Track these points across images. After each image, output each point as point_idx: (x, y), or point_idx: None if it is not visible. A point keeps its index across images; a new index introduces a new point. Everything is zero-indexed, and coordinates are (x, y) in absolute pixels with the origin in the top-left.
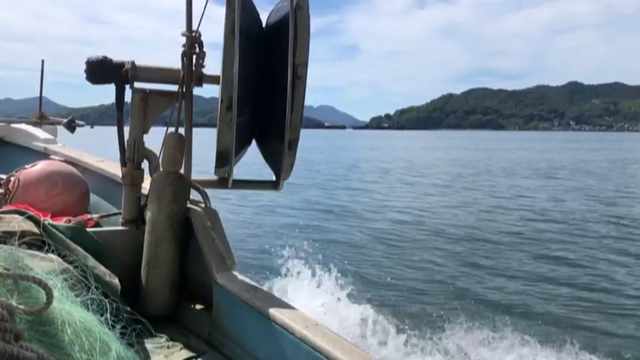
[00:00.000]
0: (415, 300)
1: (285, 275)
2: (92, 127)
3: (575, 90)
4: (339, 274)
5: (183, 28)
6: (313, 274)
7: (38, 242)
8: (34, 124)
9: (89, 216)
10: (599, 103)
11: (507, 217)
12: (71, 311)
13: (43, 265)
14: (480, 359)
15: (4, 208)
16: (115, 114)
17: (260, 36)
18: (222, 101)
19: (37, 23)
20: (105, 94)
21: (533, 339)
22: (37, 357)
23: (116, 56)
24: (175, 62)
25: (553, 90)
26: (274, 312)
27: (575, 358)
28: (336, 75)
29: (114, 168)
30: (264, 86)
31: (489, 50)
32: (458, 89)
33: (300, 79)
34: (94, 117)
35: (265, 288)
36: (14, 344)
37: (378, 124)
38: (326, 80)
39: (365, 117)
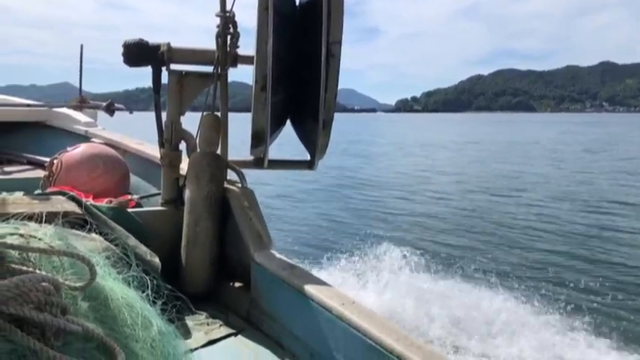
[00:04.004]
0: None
1: (322, 254)
2: (131, 112)
3: (607, 70)
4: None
5: (206, 13)
6: (352, 258)
7: (81, 222)
8: (75, 107)
9: (130, 197)
10: (632, 83)
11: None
12: (114, 287)
13: (85, 243)
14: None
15: (48, 190)
16: (153, 97)
17: (294, 14)
18: (256, 81)
19: (56, 9)
20: (127, 80)
21: None
22: (82, 330)
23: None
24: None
25: (584, 70)
26: (311, 289)
27: None
28: (357, 57)
29: (153, 150)
30: (299, 65)
31: (513, 30)
32: (483, 70)
33: (334, 57)
34: (119, 102)
35: (301, 266)
36: (61, 317)
37: (405, 106)
38: (346, 63)
39: (388, 100)
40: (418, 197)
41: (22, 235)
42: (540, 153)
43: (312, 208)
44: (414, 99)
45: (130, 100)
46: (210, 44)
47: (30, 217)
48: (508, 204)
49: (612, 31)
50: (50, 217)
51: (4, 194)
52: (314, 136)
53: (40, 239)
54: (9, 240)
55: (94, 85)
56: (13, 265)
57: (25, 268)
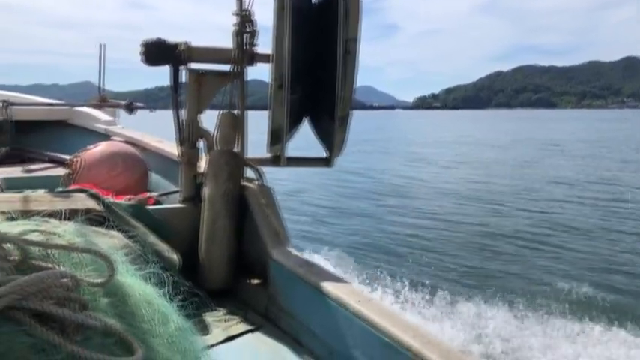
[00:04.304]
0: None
1: (339, 251)
2: (151, 110)
3: (630, 65)
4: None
5: (224, 12)
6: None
7: (101, 219)
8: (95, 106)
9: (149, 194)
10: None
11: None
12: (132, 284)
13: (105, 240)
14: None
15: (70, 188)
16: (171, 96)
17: (310, 11)
18: (274, 79)
19: (79, 9)
20: (147, 79)
21: None
22: (101, 325)
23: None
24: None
25: (606, 66)
26: (328, 286)
27: None
28: (374, 54)
29: (172, 148)
30: (316, 63)
31: (534, 25)
32: (503, 66)
33: (350, 54)
34: (139, 101)
35: (318, 263)
36: (80, 313)
37: (423, 103)
38: (364, 60)
39: (406, 96)
40: (449, 201)
41: (43, 232)
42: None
43: (329, 205)
44: (432, 96)
45: (150, 99)
46: (228, 43)
47: (52, 215)
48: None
49: (635, 26)
50: (71, 215)
51: (27, 192)
52: (331, 134)
53: (60, 236)
54: (30, 237)
55: (115, 83)
56: (35, 262)
57: (45, 264)
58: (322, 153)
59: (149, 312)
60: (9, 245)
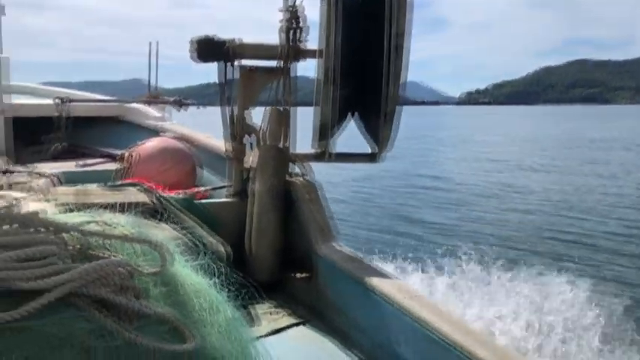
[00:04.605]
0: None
1: (387, 248)
2: (198, 107)
3: None
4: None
5: (270, 8)
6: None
7: (152, 212)
8: (146, 103)
9: (198, 189)
10: None
11: None
12: (184, 274)
13: (157, 232)
14: None
15: (122, 182)
16: (219, 92)
17: (358, 5)
18: (321, 75)
19: (130, 9)
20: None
21: None
22: (155, 313)
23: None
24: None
25: None
26: (375, 282)
27: None
28: (420, 50)
29: (220, 143)
30: (364, 58)
31: (584, 18)
32: (554, 61)
33: (399, 49)
34: (185, 97)
35: (366, 259)
36: (136, 301)
37: (470, 99)
38: (410, 55)
39: (452, 92)
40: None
41: (99, 223)
42: None
43: (378, 201)
44: (479, 91)
45: (196, 96)
46: (276, 39)
47: (106, 207)
48: None
49: None
50: (124, 207)
51: (80, 186)
52: (377, 129)
53: (116, 227)
54: (88, 227)
55: (162, 80)
56: (92, 251)
57: (102, 253)
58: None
59: (200, 302)
60: (69, 235)
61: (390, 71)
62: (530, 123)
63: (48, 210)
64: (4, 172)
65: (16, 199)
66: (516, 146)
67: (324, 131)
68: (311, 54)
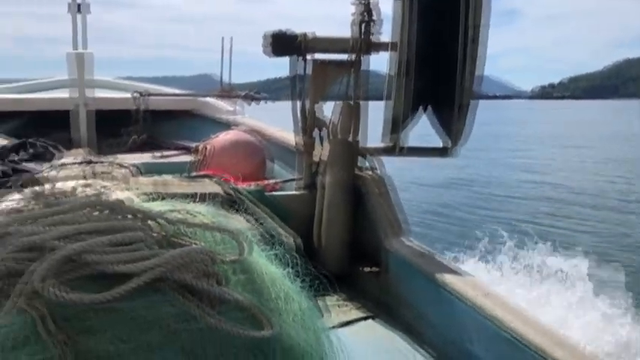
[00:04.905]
0: None
1: (458, 244)
2: (267, 102)
3: None
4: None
5: (338, 2)
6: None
7: (226, 203)
8: (219, 97)
9: (268, 181)
10: None
11: None
12: (260, 263)
13: (229, 223)
14: None
15: (197, 173)
16: (290, 86)
17: None
18: (394, 67)
19: (200, 5)
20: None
21: None
22: (234, 300)
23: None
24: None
25: None
26: (447, 278)
27: None
28: (491, 42)
29: (290, 137)
30: (438, 50)
31: None
32: (633, 53)
33: (475, 41)
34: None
35: (436, 254)
36: (216, 287)
37: (543, 93)
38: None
39: (525, 86)
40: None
41: (180, 212)
42: None
43: (450, 196)
44: (553, 85)
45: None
46: (340, 33)
47: (183, 197)
48: None
49: None
50: (200, 198)
51: (157, 176)
52: (450, 122)
53: (195, 216)
54: (171, 216)
55: (232, 75)
56: (175, 239)
57: (183, 241)
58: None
59: (276, 290)
60: (154, 222)
61: (465, 64)
62: (613, 118)
63: (131, 198)
64: (88, 163)
65: (103, 186)
66: (604, 143)
67: (396, 124)
68: (384, 47)
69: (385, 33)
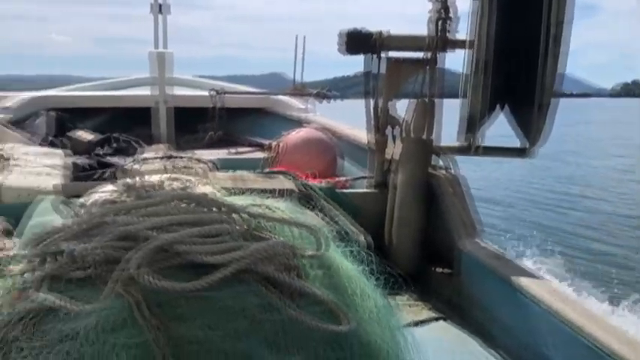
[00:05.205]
0: None
1: (535, 247)
2: (335, 100)
3: None
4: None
5: (398, 2)
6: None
7: (298, 199)
8: (291, 95)
9: (339, 178)
10: None
11: None
12: (337, 259)
13: (304, 218)
14: None
15: (270, 169)
16: (364, 84)
17: None
18: (471, 65)
19: (265, 4)
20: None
21: None
22: (313, 293)
23: (330, 31)
24: None
25: None
26: (523, 282)
27: None
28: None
29: (361, 134)
30: (517, 47)
31: None
32: None
33: (556, 39)
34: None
35: (511, 257)
36: (297, 280)
37: (625, 91)
38: None
39: (603, 83)
40: None
41: (261, 207)
42: None
43: (528, 198)
44: (636, 82)
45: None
46: (409, 30)
47: (259, 192)
48: None
49: None
50: (273, 193)
51: (231, 171)
52: (529, 122)
53: (275, 211)
54: (251, 210)
55: (298, 74)
56: (256, 232)
57: (265, 234)
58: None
59: (352, 287)
60: (237, 215)
61: (546, 62)
62: None
63: (213, 192)
64: (169, 158)
65: (188, 180)
66: None
67: (472, 123)
68: (460, 44)
69: (460, 30)
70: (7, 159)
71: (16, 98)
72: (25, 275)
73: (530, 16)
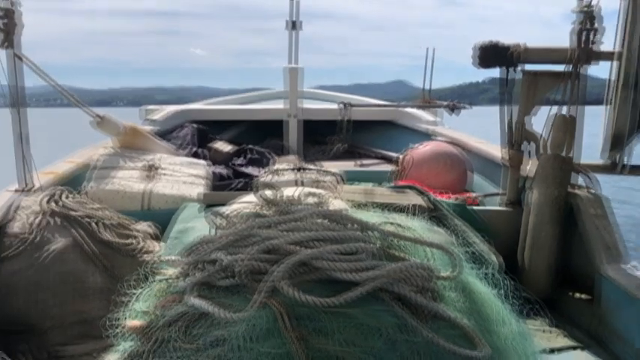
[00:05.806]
0: None
1: None
2: (465, 108)
3: None
4: None
5: (530, 5)
6: None
7: (427, 215)
8: (419, 107)
9: (468, 194)
10: None
11: None
12: (473, 282)
13: (435, 237)
14: None
15: (397, 183)
16: (499, 97)
17: None
18: (619, 78)
19: (392, 11)
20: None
21: None
22: (449, 317)
23: (466, 36)
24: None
25: None
26: None
27: None
28: None
29: (494, 149)
30: None
31: None
32: None
33: None
34: (444, 99)
35: None
36: (433, 303)
37: None
38: None
39: None
40: None
41: (394, 224)
42: None
43: None
44: None
45: (459, 95)
46: (541, 36)
47: (386, 206)
48: None
49: None
50: (403, 209)
51: (356, 184)
52: None
53: (409, 229)
54: (384, 228)
55: (421, 80)
56: (390, 250)
57: (399, 254)
58: None
59: (487, 311)
60: (372, 233)
61: None
62: None
63: (344, 207)
64: (299, 169)
65: (322, 195)
66: None
67: (618, 140)
68: (606, 56)
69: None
70: (157, 168)
71: (162, 112)
72: (178, 280)
73: None
